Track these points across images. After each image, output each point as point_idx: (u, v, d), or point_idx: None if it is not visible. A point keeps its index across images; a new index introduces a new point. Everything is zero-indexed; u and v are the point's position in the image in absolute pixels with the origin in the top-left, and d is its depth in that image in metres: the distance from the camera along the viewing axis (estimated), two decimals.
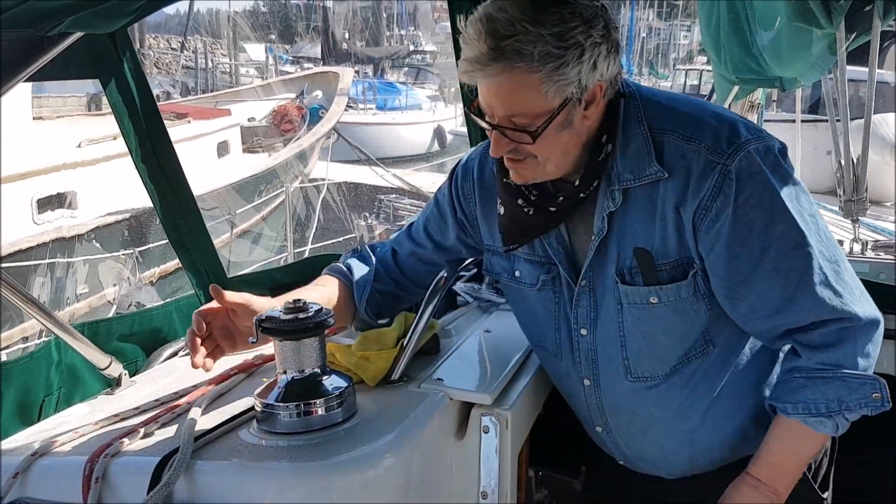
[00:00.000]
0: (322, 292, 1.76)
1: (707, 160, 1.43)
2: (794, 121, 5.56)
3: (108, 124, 9.97)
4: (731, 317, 1.53)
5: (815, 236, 1.46)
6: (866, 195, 3.24)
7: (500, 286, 1.87)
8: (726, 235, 1.45)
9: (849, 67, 3.18)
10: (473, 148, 1.83)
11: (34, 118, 8.94)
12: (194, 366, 1.55)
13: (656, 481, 1.75)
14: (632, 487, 1.79)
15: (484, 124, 1.47)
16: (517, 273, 1.72)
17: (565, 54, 1.35)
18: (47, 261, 7.39)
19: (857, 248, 3.85)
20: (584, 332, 1.63)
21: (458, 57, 2.26)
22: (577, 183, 1.52)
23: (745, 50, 3.17)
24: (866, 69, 3.22)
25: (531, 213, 1.57)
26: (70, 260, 7.75)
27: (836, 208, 3.71)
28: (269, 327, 1.50)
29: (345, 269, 1.85)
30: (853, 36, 2.96)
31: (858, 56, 3.34)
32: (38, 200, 7.95)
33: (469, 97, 1.56)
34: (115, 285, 8.15)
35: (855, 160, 3.15)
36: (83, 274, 7.96)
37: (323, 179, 11.59)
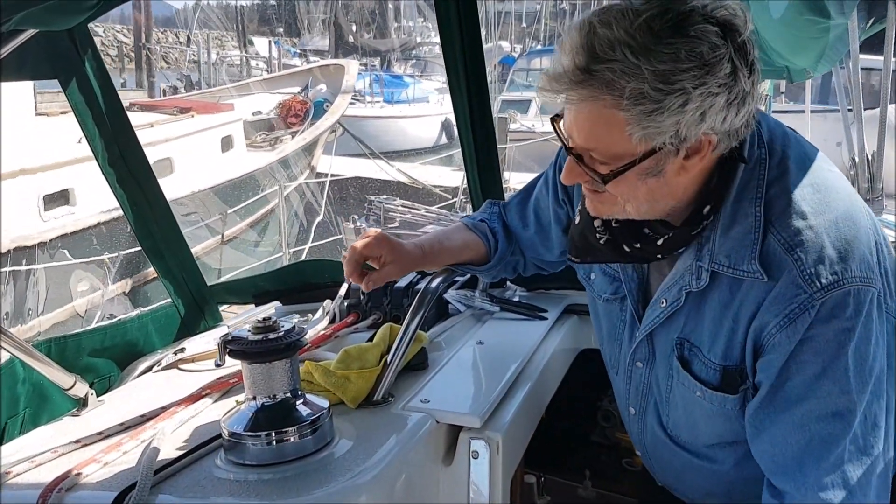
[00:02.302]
0: (463, 246, 1.72)
1: (794, 282, 1.21)
2: (802, 111, 5.39)
3: None
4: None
5: (863, 415, 1.24)
6: (882, 194, 3.06)
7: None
8: (778, 367, 1.25)
9: (861, 56, 3.03)
10: None
11: (38, 114, 8.85)
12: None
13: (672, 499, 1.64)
14: (641, 495, 1.68)
15: (561, 141, 1.27)
16: (592, 276, 1.60)
17: (664, 100, 1.11)
18: (10, 268, 7.09)
19: None
20: (639, 364, 1.52)
21: (444, 52, 2.17)
22: (660, 243, 1.32)
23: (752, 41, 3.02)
24: (877, 57, 3.06)
25: (601, 241, 1.38)
26: (33, 267, 7.42)
27: None
28: (236, 349, 1.38)
29: (490, 233, 1.76)
30: (867, 25, 2.80)
31: (869, 44, 3.19)
32: (45, 197, 7.85)
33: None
34: (96, 291, 7.86)
35: (870, 156, 2.98)
36: (44, 284, 7.60)
37: (326, 175, 11.46)
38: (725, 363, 1.34)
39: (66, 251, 7.70)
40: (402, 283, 2.09)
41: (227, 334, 1.41)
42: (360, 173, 12.37)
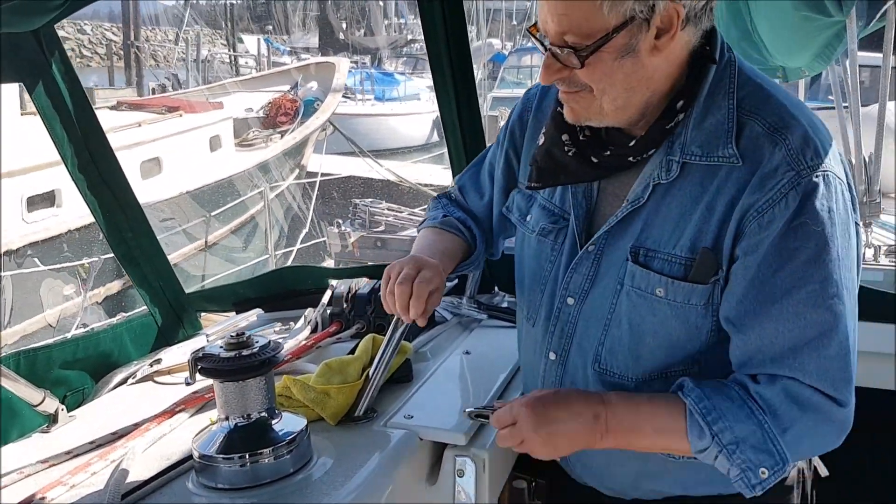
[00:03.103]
0: (452, 249, 1.61)
1: (784, 160, 1.22)
2: None
3: (105, 117, 9.77)
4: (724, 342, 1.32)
5: (850, 302, 1.24)
6: (880, 197, 3.00)
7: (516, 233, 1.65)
8: (764, 252, 1.23)
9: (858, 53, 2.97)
10: None
11: (23, 113, 8.72)
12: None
13: (593, 496, 1.55)
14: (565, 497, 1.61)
15: (539, 46, 1.26)
16: (528, 217, 1.52)
17: None
18: None
19: (869, 253, 3.58)
20: (570, 301, 1.42)
21: (427, 47, 2.09)
22: (632, 143, 1.31)
23: (745, 38, 2.96)
24: (868, 54, 3.00)
25: (570, 153, 1.36)
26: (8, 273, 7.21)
27: None
28: (208, 367, 1.31)
29: (465, 230, 1.66)
30: (864, 23, 2.75)
31: (865, 42, 3.13)
32: (29, 199, 7.72)
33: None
34: (71, 297, 7.64)
35: (867, 158, 2.92)
36: (13, 292, 7.33)
37: (315, 175, 11.35)
38: (693, 255, 1.29)
39: (36, 259, 7.48)
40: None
41: (198, 350, 1.34)
42: (350, 172, 12.25)
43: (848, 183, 1.28)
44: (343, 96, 15.18)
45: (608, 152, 1.34)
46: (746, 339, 1.27)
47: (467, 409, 1.43)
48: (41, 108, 1.71)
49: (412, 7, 35.01)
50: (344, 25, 33.32)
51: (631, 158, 1.32)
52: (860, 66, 4.51)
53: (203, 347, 1.36)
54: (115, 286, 7.89)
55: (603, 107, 1.27)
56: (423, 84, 25.29)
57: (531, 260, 1.51)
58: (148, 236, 2.00)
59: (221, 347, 1.34)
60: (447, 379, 1.75)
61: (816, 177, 1.21)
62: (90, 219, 7.63)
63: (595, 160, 1.35)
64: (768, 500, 1.35)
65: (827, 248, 1.21)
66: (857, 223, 1.30)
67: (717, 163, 1.26)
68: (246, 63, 28.27)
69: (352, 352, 1.71)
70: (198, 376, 1.35)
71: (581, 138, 1.36)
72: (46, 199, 7.86)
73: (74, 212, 7.73)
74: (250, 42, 31.09)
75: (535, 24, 1.27)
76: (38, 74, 1.66)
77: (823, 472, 1.59)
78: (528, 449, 1.31)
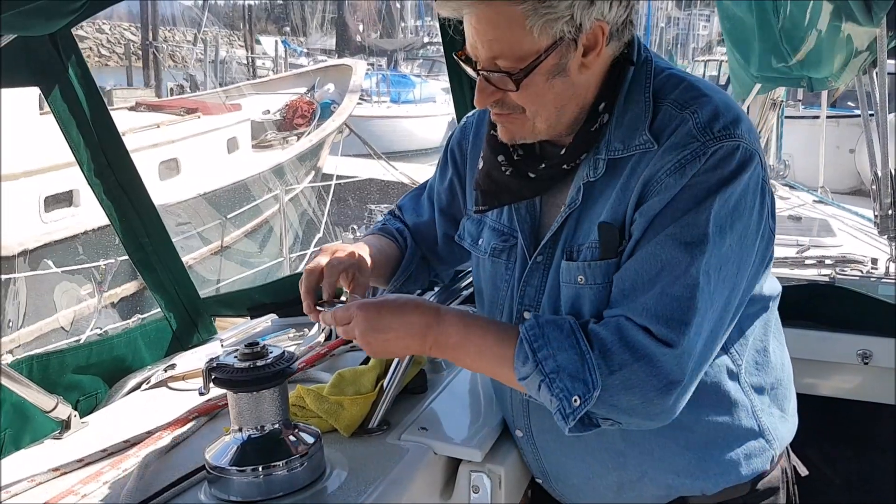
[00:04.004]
0: (383, 251, 1.63)
1: (689, 133, 1.24)
2: (816, 117, 5.27)
3: (123, 118, 9.80)
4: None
5: (723, 265, 1.22)
6: None
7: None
8: (656, 209, 1.24)
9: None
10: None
11: (41, 112, 8.78)
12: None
13: None
14: None
15: (469, 70, 1.30)
16: (480, 241, 1.54)
17: None
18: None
19: (893, 268, 3.52)
20: (527, 314, 1.41)
21: (446, 48, 2.08)
22: (563, 152, 1.34)
23: (772, 48, 2.92)
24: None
25: (508, 173, 1.39)
26: (13, 276, 7.12)
27: (867, 215, 3.43)
28: (222, 378, 1.29)
29: (398, 234, 1.68)
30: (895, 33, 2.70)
31: (892, 50, 3.08)
32: (47, 199, 7.76)
33: (457, 41, 1.37)
34: (85, 299, 7.54)
35: (894, 171, 2.86)
36: (26, 296, 7.29)
37: (331, 178, 11.35)
38: (608, 234, 1.30)
39: (49, 261, 7.48)
40: None
41: (212, 360, 1.33)
42: (365, 174, 12.27)
43: (760, 157, 1.28)
44: (359, 98, 15.19)
45: (543, 165, 1.37)
46: (616, 280, 1.27)
47: (318, 304, 1.41)
48: (57, 113, 1.70)
49: (429, 9, 35.07)
50: (360, 27, 33.40)
51: (565, 166, 1.35)
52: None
53: (217, 357, 1.34)
54: (130, 287, 7.90)
55: (536, 126, 1.31)
56: (438, 87, 25.31)
57: (487, 283, 1.52)
58: (164, 241, 1.99)
59: (235, 357, 1.32)
60: (462, 390, 1.73)
61: (722, 146, 1.22)
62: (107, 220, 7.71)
63: (532, 175, 1.38)
64: (754, 500, 1.40)
65: (709, 202, 1.21)
66: (767, 202, 1.30)
67: (636, 151, 1.28)
68: (262, 64, 28.39)
69: (365, 361, 1.69)
70: (203, 392, 1.35)
71: (515, 158, 1.39)
72: (64, 200, 7.91)
73: (92, 212, 7.76)
74: (267, 43, 31.24)
75: (464, 48, 1.29)
76: (54, 78, 1.65)
77: (803, 471, 1.57)
78: (361, 346, 1.33)
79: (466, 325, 1.32)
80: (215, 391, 1.65)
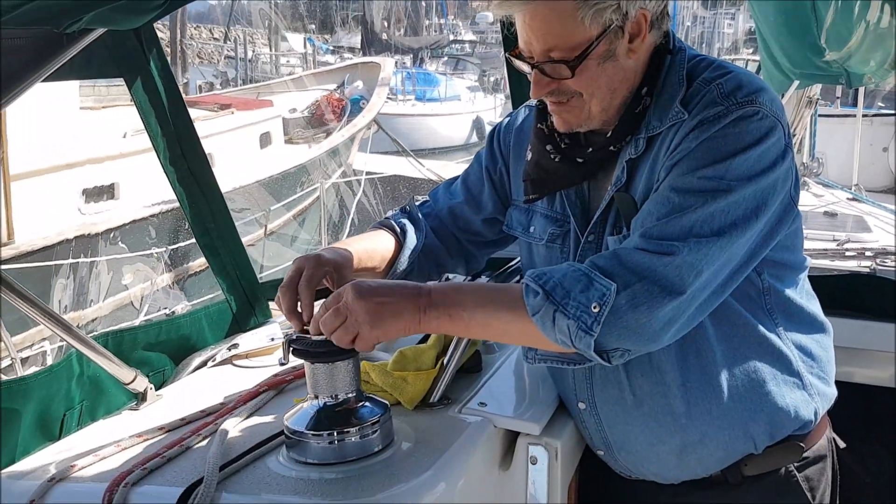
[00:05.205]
0: (374, 243, 1.68)
1: (714, 100, 1.34)
2: (851, 115, 5.27)
3: None
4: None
5: (727, 209, 1.29)
6: None
7: (519, 245, 1.73)
8: (678, 162, 1.33)
9: None
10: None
11: (81, 108, 8.97)
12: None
13: (651, 490, 1.59)
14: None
15: (524, 66, 1.40)
16: (532, 228, 1.63)
17: None
18: (70, 261, 7.14)
19: None
20: None
21: (505, 44, 2.15)
22: (609, 135, 1.44)
23: (809, 45, 2.96)
24: None
25: (557, 160, 1.50)
26: (94, 259, 7.48)
27: None
28: (300, 349, 1.38)
29: (398, 227, 1.74)
30: None
31: None
32: (85, 191, 7.97)
33: (511, 40, 1.46)
34: (145, 283, 7.95)
35: None
36: (107, 275, 7.71)
37: (361, 172, 11.50)
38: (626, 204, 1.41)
39: (122, 244, 7.81)
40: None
41: (290, 333, 1.42)
42: (391, 171, 12.39)
43: (783, 125, 1.36)
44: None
45: (590, 150, 1.47)
46: (631, 228, 1.38)
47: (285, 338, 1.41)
48: (139, 103, 1.80)
49: (453, 7, 35.08)
50: (386, 25, 33.49)
51: (612, 148, 1.44)
52: None
53: (293, 331, 1.43)
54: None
55: (591, 110, 1.41)
56: (463, 85, 25.34)
57: (543, 266, 1.56)
58: (228, 227, 2.09)
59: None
60: (516, 369, 1.81)
61: (744, 111, 1.31)
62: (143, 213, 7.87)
63: (580, 160, 1.48)
64: (805, 466, 1.49)
65: (728, 159, 1.29)
66: (790, 170, 1.37)
67: (669, 124, 1.38)
68: (287, 62, 28.56)
69: (422, 340, 1.77)
70: (283, 362, 1.45)
71: (563, 146, 1.49)
72: (107, 192, 8.11)
73: (132, 204, 8.00)
74: (294, 40, 31.41)
75: (516, 47, 1.40)
76: (137, 71, 1.76)
77: (841, 444, 1.64)
78: (354, 328, 1.30)
79: (457, 285, 1.44)
80: (280, 367, 1.76)
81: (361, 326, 1.31)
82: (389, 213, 1.82)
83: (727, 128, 1.31)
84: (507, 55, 1.46)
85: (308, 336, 1.38)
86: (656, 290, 1.26)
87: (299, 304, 1.43)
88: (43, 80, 1.41)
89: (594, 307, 1.26)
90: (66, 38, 1.42)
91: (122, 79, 1.76)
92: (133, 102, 1.80)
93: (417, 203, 1.83)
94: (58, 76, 1.47)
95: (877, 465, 2.17)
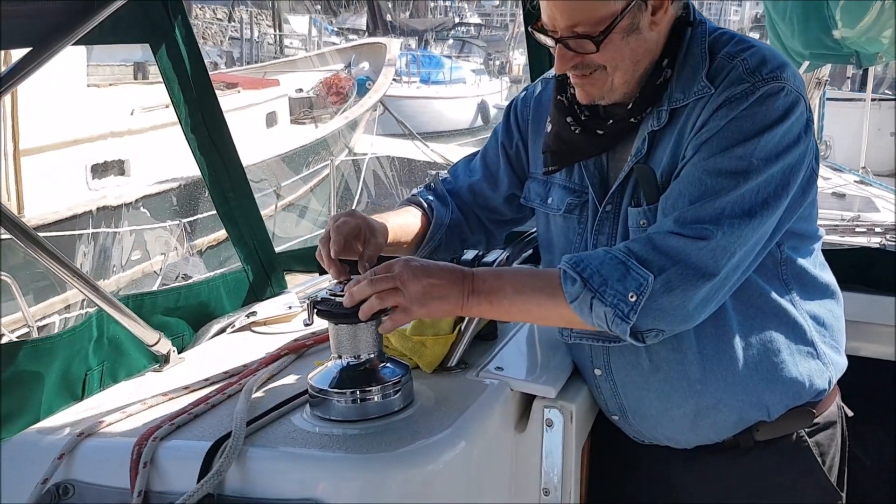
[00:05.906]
0: (405, 219, 1.73)
1: (739, 76, 1.37)
2: (858, 99, 5.27)
3: (157, 92, 10.04)
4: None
5: (757, 189, 1.33)
6: None
7: (536, 217, 1.77)
8: (704, 141, 1.36)
9: None
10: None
11: (88, 85, 8.97)
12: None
13: (663, 454, 1.63)
14: (638, 461, 1.69)
15: (548, 40, 1.42)
16: (549, 199, 1.65)
17: None
18: (91, 230, 7.36)
19: None
20: None
21: (526, 19, 2.16)
22: (630, 106, 1.46)
23: (821, 24, 2.97)
24: None
25: (577, 132, 1.52)
26: (116, 230, 7.71)
27: None
28: (325, 310, 1.42)
29: (426, 204, 1.78)
30: None
31: None
32: (93, 167, 8.02)
33: (533, 13, 1.49)
34: (162, 254, 8.13)
35: None
36: (129, 244, 7.95)
37: (366, 154, 11.54)
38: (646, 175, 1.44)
39: (146, 212, 8.01)
40: (469, 255, 2.12)
41: (315, 295, 1.45)
42: (397, 153, 12.41)
43: (805, 100, 1.39)
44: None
45: (610, 122, 1.49)
46: (659, 208, 1.41)
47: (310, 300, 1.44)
48: (163, 70, 1.83)
49: None
50: (391, 6, 33.30)
51: (632, 119, 1.47)
52: None
53: (319, 293, 1.46)
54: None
55: (614, 82, 1.43)
56: (468, 68, 25.26)
57: (560, 237, 1.63)
58: (247, 197, 2.12)
59: (333, 294, 1.44)
60: (532, 336, 1.84)
61: (769, 87, 1.34)
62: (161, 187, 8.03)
63: (600, 132, 1.50)
64: (816, 431, 1.52)
65: (756, 137, 1.33)
66: (811, 142, 1.41)
67: (695, 98, 1.40)
68: (290, 43, 28.44)
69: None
70: (308, 323, 1.47)
71: (583, 118, 1.52)
72: (114, 168, 8.15)
73: (141, 181, 8.07)
74: (296, 22, 31.26)
75: (538, 21, 1.42)
76: (162, 38, 1.78)
77: (849, 412, 1.67)
78: (402, 301, 1.34)
79: (498, 271, 1.48)
80: (300, 332, 1.80)
81: (412, 304, 1.35)
82: (416, 190, 1.86)
83: (754, 105, 1.34)
84: (529, 28, 1.48)
85: (332, 298, 1.42)
86: (690, 273, 1.30)
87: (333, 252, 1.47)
88: (73, 44, 1.44)
89: (631, 297, 1.31)
90: (95, 4, 1.45)
91: (147, 44, 1.78)
92: (158, 69, 1.82)
93: (441, 179, 1.87)
94: (87, 40, 1.49)
95: (879, 443, 2.21)
